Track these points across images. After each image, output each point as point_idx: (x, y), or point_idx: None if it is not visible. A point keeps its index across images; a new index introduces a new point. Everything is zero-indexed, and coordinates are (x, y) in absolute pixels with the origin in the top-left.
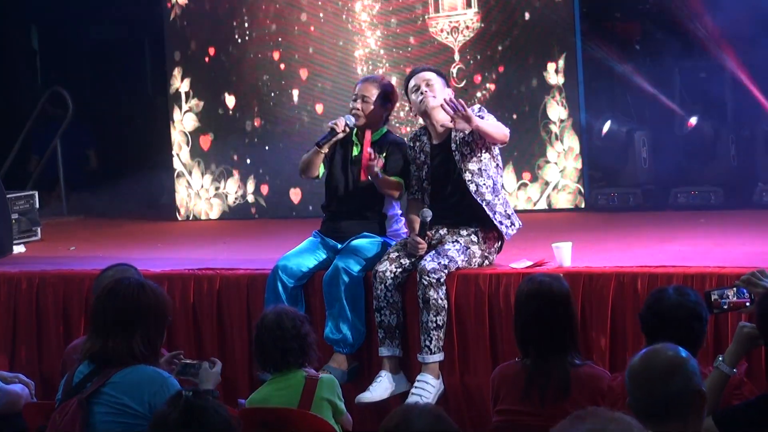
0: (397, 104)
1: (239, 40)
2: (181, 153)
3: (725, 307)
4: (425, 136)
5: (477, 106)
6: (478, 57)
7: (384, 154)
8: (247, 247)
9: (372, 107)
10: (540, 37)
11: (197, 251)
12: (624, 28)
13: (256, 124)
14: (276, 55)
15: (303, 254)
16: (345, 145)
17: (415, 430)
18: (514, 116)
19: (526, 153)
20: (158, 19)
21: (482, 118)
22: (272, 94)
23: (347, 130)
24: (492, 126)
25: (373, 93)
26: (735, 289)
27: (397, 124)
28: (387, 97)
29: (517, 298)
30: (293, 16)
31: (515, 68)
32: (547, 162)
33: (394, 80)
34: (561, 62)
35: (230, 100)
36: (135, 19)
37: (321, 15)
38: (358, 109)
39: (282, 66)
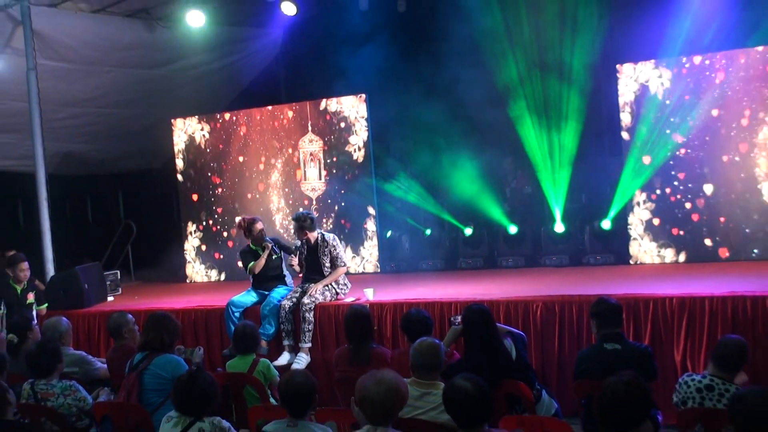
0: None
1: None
2: (190, 253)
3: (456, 324)
4: (305, 240)
5: (331, 236)
6: (327, 202)
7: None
8: (221, 295)
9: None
10: (362, 187)
11: (197, 298)
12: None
13: (229, 244)
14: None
15: (243, 297)
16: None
17: (295, 380)
18: (348, 225)
19: (356, 241)
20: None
21: (335, 247)
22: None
23: (271, 245)
24: (332, 278)
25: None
26: (461, 316)
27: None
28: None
29: (345, 317)
30: (251, 186)
31: (348, 206)
32: (364, 248)
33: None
34: (370, 208)
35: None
36: (167, 183)
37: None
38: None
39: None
